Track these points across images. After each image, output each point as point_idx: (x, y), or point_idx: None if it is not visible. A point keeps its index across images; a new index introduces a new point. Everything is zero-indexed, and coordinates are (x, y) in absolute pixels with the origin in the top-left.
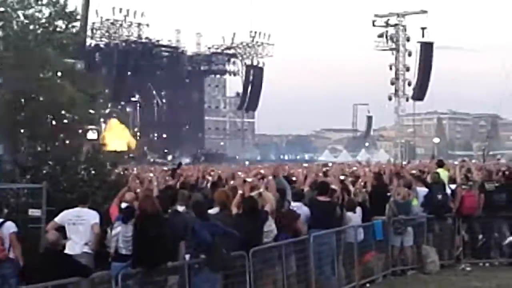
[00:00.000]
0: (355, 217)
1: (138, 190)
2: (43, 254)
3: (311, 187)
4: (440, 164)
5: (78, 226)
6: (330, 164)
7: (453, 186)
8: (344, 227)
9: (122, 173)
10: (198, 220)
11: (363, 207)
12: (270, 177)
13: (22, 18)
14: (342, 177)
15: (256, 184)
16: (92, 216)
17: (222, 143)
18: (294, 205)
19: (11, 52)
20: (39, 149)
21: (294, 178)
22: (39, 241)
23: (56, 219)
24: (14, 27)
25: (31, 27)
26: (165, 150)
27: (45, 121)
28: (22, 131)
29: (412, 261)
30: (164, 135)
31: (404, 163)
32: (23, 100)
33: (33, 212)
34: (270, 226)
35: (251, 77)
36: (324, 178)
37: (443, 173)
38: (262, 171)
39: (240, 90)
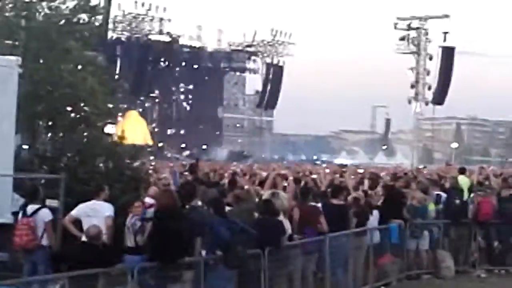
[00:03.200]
0: (371, 220)
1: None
2: (81, 246)
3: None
4: (462, 171)
5: (93, 219)
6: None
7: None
8: (360, 229)
9: (140, 167)
10: (216, 217)
11: (380, 210)
12: (291, 178)
13: (46, 10)
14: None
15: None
16: (106, 209)
17: (240, 141)
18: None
19: (33, 43)
20: (58, 140)
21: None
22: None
23: (73, 213)
24: (38, 18)
25: (55, 19)
26: (182, 146)
27: (65, 113)
28: (41, 122)
29: (427, 266)
30: (182, 131)
31: (420, 167)
32: (43, 91)
33: (51, 203)
34: (285, 225)
35: (270, 76)
36: (340, 179)
37: (464, 180)
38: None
39: (260, 88)
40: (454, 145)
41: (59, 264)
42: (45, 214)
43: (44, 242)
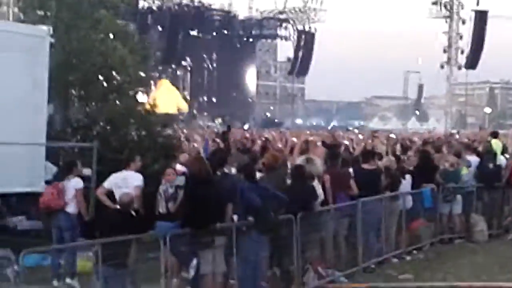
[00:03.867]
0: (404, 184)
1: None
2: (114, 213)
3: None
4: (495, 135)
5: (123, 190)
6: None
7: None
8: (393, 193)
9: (172, 135)
10: (246, 183)
11: (413, 174)
12: (319, 143)
13: None
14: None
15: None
16: (135, 179)
17: (272, 108)
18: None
19: (64, 13)
20: (90, 109)
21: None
22: (89, 199)
23: (105, 184)
24: None
25: None
26: (214, 113)
27: (97, 82)
28: (73, 91)
29: (460, 230)
30: (214, 99)
31: (453, 131)
32: (75, 60)
33: (84, 172)
34: (317, 191)
35: (302, 43)
36: (372, 144)
37: (497, 144)
38: (311, 138)
39: (291, 55)
40: (488, 109)
41: (92, 232)
42: (76, 182)
43: (71, 209)
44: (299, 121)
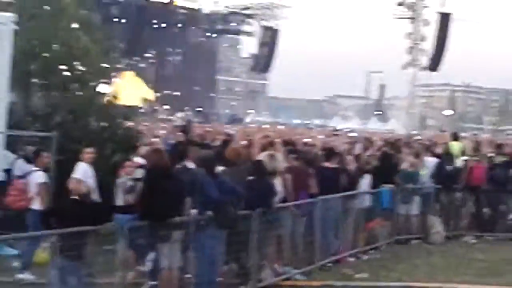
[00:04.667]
0: (362, 183)
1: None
2: (71, 202)
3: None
4: (455, 137)
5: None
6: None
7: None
8: (351, 192)
9: (132, 127)
10: (206, 176)
11: (373, 174)
12: (277, 140)
13: None
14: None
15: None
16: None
17: (233, 103)
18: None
19: (29, 1)
20: (51, 98)
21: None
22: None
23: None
24: None
25: None
26: (176, 107)
27: (59, 71)
28: (35, 80)
29: (417, 231)
30: (176, 93)
31: (415, 133)
32: (37, 49)
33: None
34: (277, 187)
35: (266, 39)
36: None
37: (457, 146)
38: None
39: (255, 52)
40: (448, 112)
41: (49, 223)
42: (39, 177)
43: (36, 205)
44: (260, 118)
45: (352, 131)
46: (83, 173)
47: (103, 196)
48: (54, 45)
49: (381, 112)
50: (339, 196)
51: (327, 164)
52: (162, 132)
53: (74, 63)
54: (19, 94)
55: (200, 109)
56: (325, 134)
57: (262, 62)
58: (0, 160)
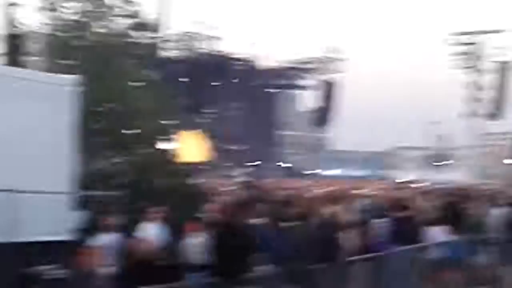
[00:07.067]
0: (432, 234)
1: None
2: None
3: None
4: None
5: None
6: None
7: None
8: (422, 244)
9: (197, 184)
10: (273, 232)
11: (439, 225)
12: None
13: (99, 29)
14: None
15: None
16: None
17: (295, 158)
18: (377, 221)
19: (89, 63)
20: (115, 158)
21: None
22: None
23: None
24: (92, 38)
25: (108, 38)
26: (238, 163)
27: (121, 131)
28: (100, 140)
29: (489, 281)
30: (237, 148)
31: (477, 182)
32: (101, 109)
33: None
34: (346, 241)
35: (324, 92)
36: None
37: None
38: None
39: (312, 105)
40: (509, 161)
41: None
42: (106, 239)
43: (104, 268)
44: (321, 171)
45: (413, 182)
46: (151, 233)
47: (172, 255)
48: (117, 105)
49: (441, 163)
50: (410, 247)
51: (399, 214)
52: (224, 188)
53: (137, 122)
54: (86, 154)
55: (261, 163)
56: (388, 186)
57: (322, 115)
58: (67, 221)
